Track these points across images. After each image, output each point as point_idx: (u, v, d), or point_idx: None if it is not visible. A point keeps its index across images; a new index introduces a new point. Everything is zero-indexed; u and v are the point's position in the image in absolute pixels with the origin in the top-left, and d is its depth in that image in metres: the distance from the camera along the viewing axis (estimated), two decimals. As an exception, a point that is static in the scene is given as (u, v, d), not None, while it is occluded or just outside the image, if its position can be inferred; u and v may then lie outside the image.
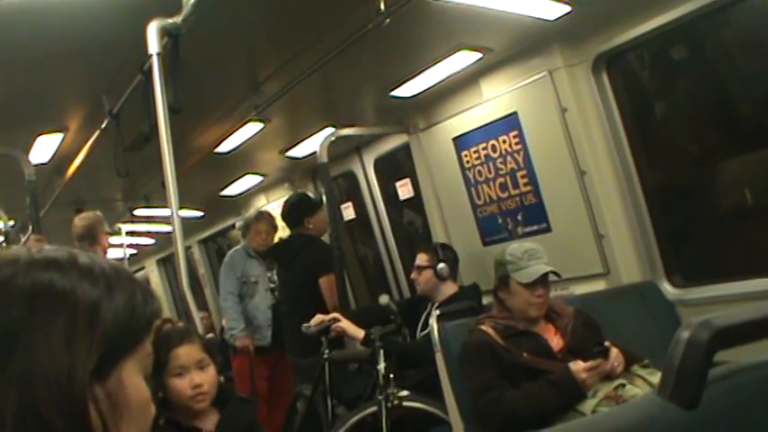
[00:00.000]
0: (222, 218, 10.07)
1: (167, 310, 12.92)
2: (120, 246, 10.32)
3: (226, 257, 7.29)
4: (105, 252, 6.06)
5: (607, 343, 3.58)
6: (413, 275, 5.24)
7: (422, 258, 5.17)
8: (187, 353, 3.02)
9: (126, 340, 1.03)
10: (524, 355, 3.64)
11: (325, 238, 6.73)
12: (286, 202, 6.55)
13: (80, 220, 5.90)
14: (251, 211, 7.51)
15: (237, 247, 7.28)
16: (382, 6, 3.95)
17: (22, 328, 0.95)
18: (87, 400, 0.95)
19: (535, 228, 5.25)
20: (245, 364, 6.76)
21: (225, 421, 3.09)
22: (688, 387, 1.33)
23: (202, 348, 3.08)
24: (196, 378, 3.00)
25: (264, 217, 7.26)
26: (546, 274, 3.80)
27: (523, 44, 4.83)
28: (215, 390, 3.07)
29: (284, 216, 6.46)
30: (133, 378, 1.04)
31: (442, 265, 5.06)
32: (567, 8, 4.23)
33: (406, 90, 5.44)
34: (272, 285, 6.99)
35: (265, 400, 6.75)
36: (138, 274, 13.89)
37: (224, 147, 6.50)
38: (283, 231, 7.05)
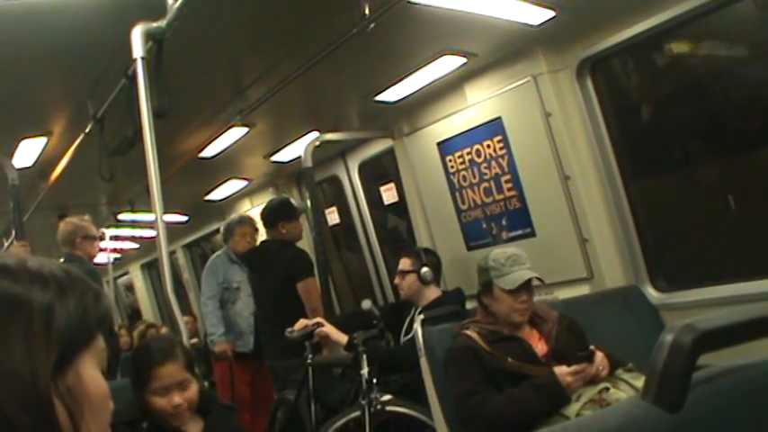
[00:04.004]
0: (207, 222, 10.05)
1: (152, 315, 12.89)
2: (104, 250, 10.28)
3: (208, 262, 7.28)
4: (90, 257, 6.05)
5: (592, 347, 3.59)
6: (396, 280, 5.24)
7: (405, 263, 5.17)
8: (169, 374, 3.01)
9: (80, 337, 1.05)
10: (509, 359, 3.64)
11: (309, 242, 6.74)
12: (267, 203, 6.53)
13: (62, 226, 5.94)
14: (232, 216, 7.48)
15: (219, 252, 7.26)
16: (367, 11, 3.96)
17: None
18: (52, 397, 0.97)
19: (519, 232, 5.26)
20: (226, 369, 6.75)
21: (208, 429, 3.09)
22: (672, 390, 1.34)
23: (185, 367, 3.06)
24: (176, 398, 2.99)
25: (247, 220, 7.28)
26: (529, 280, 3.80)
27: (507, 49, 4.85)
28: (196, 403, 3.07)
29: (262, 216, 6.45)
30: (91, 372, 1.05)
31: (425, 269, 5.06)
32: (551, 13, 4.25)
33: (391, 95, 5.46)
34: None
35: (248, 406, 6.72)
36: (123, 280, 13.87)
37: (208, 151, 6.49)
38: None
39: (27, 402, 0.94)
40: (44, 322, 1.00)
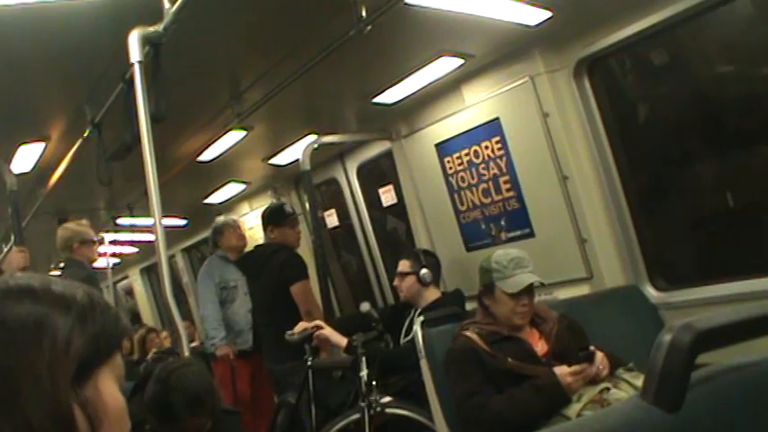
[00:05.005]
0: (205, 226, 9.98)
1: (151, 320, 12.88)
2: (104, 255, 10.28)
3: (203, 266, 7.29)
4: (89, 261, 6.06)
5: (592, 347, 3.58)
6: (395, 282, 5.24)
7: (404, 265, 5.17)
8: (196, 425, 3.06)
9: (98, 355, 1.10)
10: (509, 360, 3.63)
11: (308, 245, 6.74)
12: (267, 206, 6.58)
13: (60, 232, 5.96)
14: (217, 220, 7.45)
15: (212, 255, 7.26)
16: (364, 13, 3.95)
17: (2, 358, 1.01)
18: (72, 407, 1.02)
19: (518, 233, 5.25)
20: (227, 371, 6.74)
21: (211, 435, 3.11)
22: (670, 390, 1.34)
23: (211, 414, 3.09)
24: None
25: (232, 220, 7.42)
26: (531, 283, 3.80)
27: (505, 50, 4.84)
28: None
29: (261, 217, 6.49)
30: (108, 386, 1.10)
31: (424, 270, 5.07)
32: (548, 14, 4.25)
33: (389, 97, 5.45)
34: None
35: (248, 406, 6.71)
36: (122, 284, 13.86)
37: (207, 155, 6.49)
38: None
39: (50, 413, 0.99)
40: (64, 342, 1.05)
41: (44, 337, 1.03)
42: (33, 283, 1.10)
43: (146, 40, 3.59)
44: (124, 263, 13.23)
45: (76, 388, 1.04)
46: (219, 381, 6.90)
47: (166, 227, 3.88)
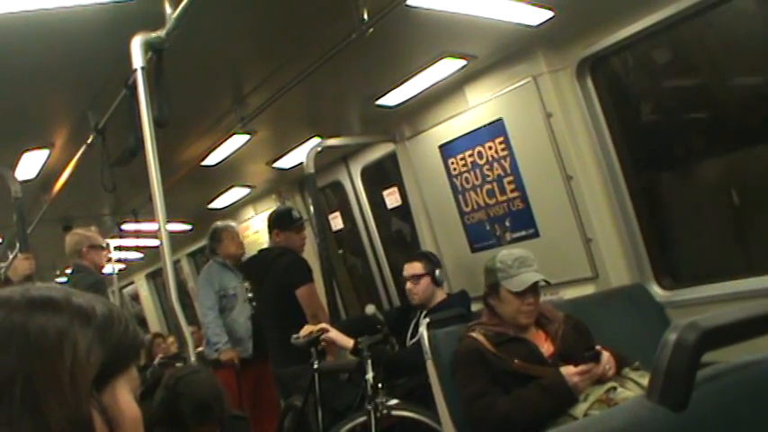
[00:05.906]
0: (211, 230, 10.05)
1: (157, 325, 12.88)
2: (109, 261, 10.28)
3: (201, 272, 7.29)
4: (97, 267, 6.08)
5: (598, 347, 3.58)
6: (408, 286, 5.20)
7: (415, 267, 5.15)
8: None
9: (115, 365, 1.13)
10: (515, 361, 3.63)
11: (314, 248, 6.74)
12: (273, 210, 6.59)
13: (68, 237, 5.99)
14: (216, 224, 7.42)
15: (210, 261, 7.25)
16: (365, 16, 3.95)
17: (25, 366, 1.04)
18: (92, 414, 1.06)
19: (523, 233, 5.25)
20: (231, 377, 6.73)
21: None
22: (676, 389, 1.33)
23: (218, 421, 3.09)
24: None
25: (230, 225, 7.39)
26: (536, 282, 3.80)
27: (507, 50, 4.84)
28: None
29: (267, 220, 6.49)
30: (125, 396, 1.14)
31: (438, 271, 5.09)
32: (550, 14, 4.25)
33: (392, 99, 5.45)
34: (249, 295, 6.95)
35: (251, 412, 6.71)
36: (128, 289, 13.86)
37: (211, 159, 6.49)
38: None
39: (70, 417, 1.03)
40: (84, 352, 1.08)
41: (66, 346, 1.06)
42: (55, 295, 1.13)
43: (148, 46, 3.59)
44: (129, 268, 13.24)
45: (95, 394, 1.07)
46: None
47: (171, 232, 3.88)
